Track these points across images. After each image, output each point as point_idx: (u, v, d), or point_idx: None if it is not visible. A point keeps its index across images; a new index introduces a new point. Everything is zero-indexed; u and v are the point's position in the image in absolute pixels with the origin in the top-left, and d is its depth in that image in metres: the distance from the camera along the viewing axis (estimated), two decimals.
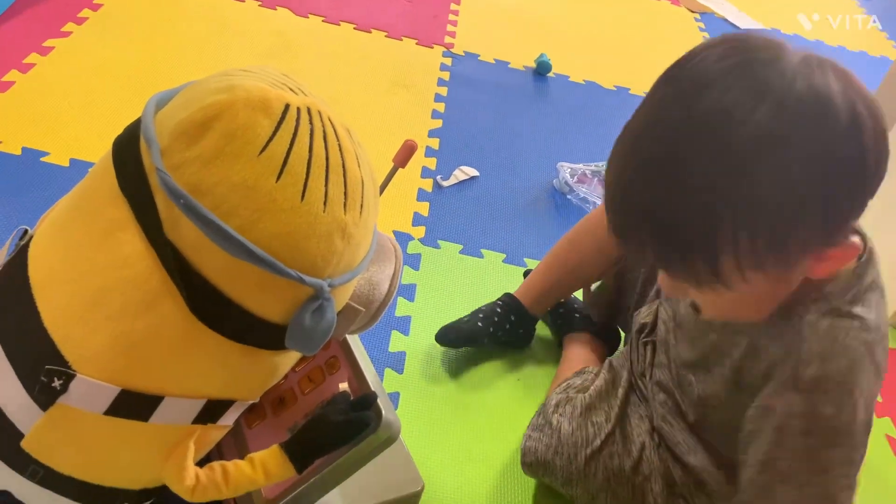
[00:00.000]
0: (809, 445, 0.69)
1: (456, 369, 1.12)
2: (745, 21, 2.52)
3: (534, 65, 1.94)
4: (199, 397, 0.65)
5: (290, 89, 0.63)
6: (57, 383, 0.60)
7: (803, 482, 0.69)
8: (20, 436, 0.62)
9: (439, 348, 1.13)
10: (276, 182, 0.58)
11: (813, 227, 0.61)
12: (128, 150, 0.61)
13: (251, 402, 0.71)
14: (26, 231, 0.69)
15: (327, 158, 0.61)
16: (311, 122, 0.61)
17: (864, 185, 0.61)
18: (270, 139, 0.58)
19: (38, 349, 0.61)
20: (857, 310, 0.69)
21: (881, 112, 0.61)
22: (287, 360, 0.70)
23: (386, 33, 1.93)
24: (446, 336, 1.11)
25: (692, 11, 2.48)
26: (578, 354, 1.13)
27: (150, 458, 0.66)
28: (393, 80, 1.77)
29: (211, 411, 0.67)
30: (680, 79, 0.62)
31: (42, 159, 1.30)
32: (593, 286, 1.15)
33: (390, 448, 0.73)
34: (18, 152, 1.30)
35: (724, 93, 0.58)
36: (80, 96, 1.46)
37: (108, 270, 0.60)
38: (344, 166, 0.63)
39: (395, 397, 1.05)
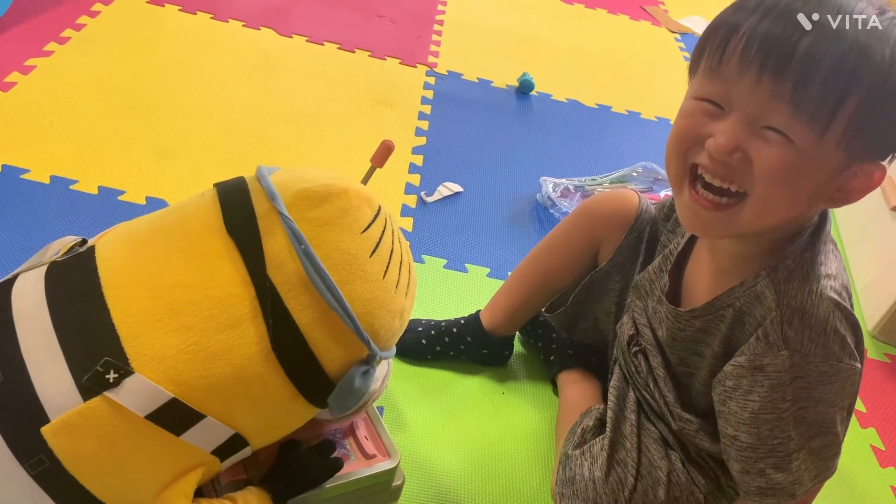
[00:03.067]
0: (802, 386, 0.75)
1: (440, 385, 1.12)
2: None
3: (516, 83, 1.95)
4: (233, 427, 0.68)
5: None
6: (111, 376, 0.62)
7: (802, 416, 0.76)
8: (43, 421, 0.62)
9: (420, 365, 1.13)
10: (370, 257, 0.71)
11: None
12: (236, 196, 0.71)
13: (251, 453, 0.74)
14: (84, 240, 0.74)
15: (402, 254, 0.76)
16: (392, 224, 0.75)
17: None
18: (370, 224, 0.72)
19: (99, 340, 0.63)
20: (821, 262, 0.76)
21: None
22: (305, 421, 0.75)
23: (370, 53, 1.94)
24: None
25: (672, 32, 2.52)
26: (581, 393, 1.09)
27: (156, 478, 0.67)
28: (377, 98, 1.77)
29: (228, 447, 0.69)
30: None
31: (22, 176, 1.29)
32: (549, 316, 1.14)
33: None
34: None
35: None
36: (60, 114, 1.46)
37: (197, 287, 0.66)
38: (410, 265, 0.77)
39: (379, 410, 1.04)
